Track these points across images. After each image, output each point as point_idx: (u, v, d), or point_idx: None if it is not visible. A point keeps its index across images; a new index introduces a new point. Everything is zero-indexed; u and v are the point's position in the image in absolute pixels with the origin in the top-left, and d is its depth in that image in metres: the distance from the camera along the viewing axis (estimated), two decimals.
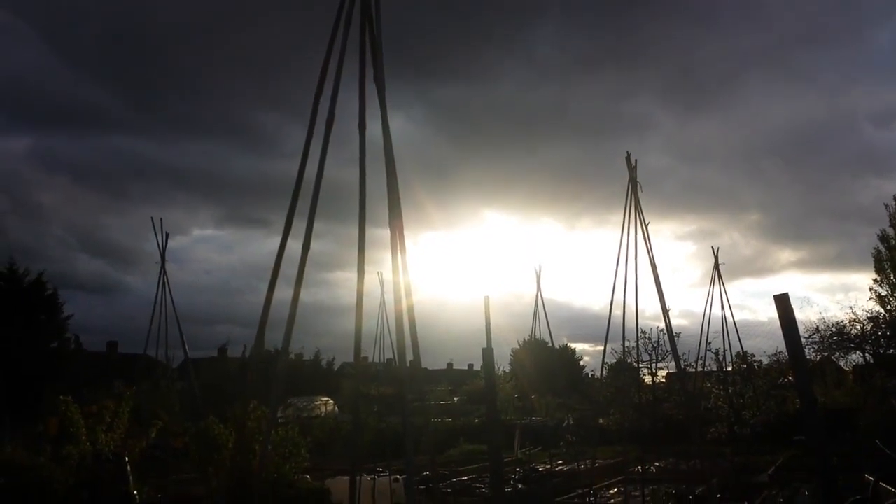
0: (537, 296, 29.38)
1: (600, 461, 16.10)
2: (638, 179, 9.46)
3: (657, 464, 15.96)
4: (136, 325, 19.57)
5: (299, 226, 6.31)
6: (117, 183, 71.63)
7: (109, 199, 74.48)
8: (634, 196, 9.47)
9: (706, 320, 17.71)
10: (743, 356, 18.95)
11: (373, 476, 11.92)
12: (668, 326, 10.22)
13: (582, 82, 72.56)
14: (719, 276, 17.96)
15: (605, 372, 16.83)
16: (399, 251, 6.33)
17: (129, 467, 10.68)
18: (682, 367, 12.37)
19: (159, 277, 19.00)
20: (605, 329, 11.83)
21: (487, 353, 12.11)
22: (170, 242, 19.59)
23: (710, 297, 17.92)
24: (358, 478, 11.08)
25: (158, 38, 60.36)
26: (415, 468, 6.39)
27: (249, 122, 68.04)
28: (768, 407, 17.89)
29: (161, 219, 19.25)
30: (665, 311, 9.77)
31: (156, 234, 18.74)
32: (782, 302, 11.24)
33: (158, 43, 61.56)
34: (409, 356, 6.34)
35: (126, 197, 70.85)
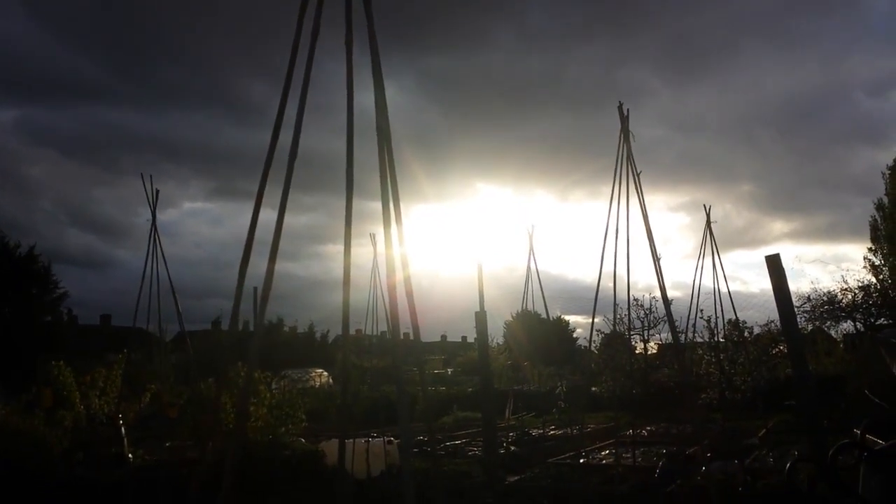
0: (529, 258, 29.12)
1: (592, 426, 16.27)
2: (630, 129, 9.47)
3: (649, 428, 16.11)
4: (129, 298, 19.33)
5: (290, 198, 6.19)
6: (106, 155, 71.11)
7: (99, 171, 74.03)
8: (627, 146, 9.48)
9: (698, 274, 17.89)
10: (735, 323, 19.07)
11: (366, 439, 11.99)
12: (660, 275, 10.22)
13: (575, 50, 72.17)
14: (711, 234, 18.06)
15: (594, 337, 16.92)
16: (395, 221, 6.18)
17: (123, 429, 10.74)
18: (677, 335, 12.40)
19: (150, 236, 18.60)
20: (600, 301, 11.87)
21: (480, 315, 12.25)
22: (160, 216, 19.33)
23: (701, 253, 18.08)
24: (352, 441, 11.19)
25: (147, 6, 59.63)
26: (410, 433, 6.38)
27: (241, 93, 67.56)
28: (759, 373, 18.03)
29: (151, 176, 18.94)
30: (656, 259, 9.80)
31: (146, 190, 18.46)
32: (774, 263, 11.23)
33: (147, 11, 60.83)
34: (408, 330, 6.25)
35: (115, 169, 70.40)
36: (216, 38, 68.77)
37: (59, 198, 65.14)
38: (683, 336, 16.34)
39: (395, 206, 6.07)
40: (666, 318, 14.53)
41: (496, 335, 38.81)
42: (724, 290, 18.76)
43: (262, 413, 10.75)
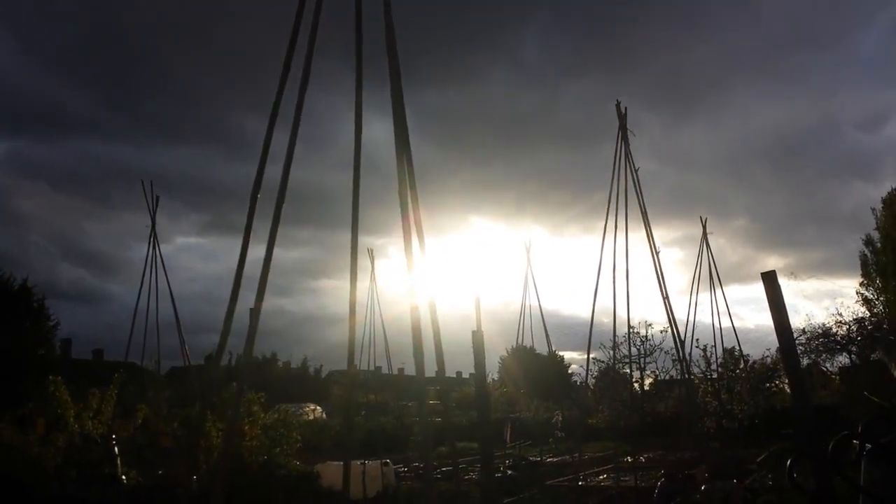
0: (527, 273, 28.71)
1: (590, 455, 16.15)
2: (628, 127, 9.63)
3: (647, 455, 16.01)
4: (122, 333, 19.17)
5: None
6: (98, 189, 70.95)
7: (90, 205, 73.81)
8: (625, 143, 9.62)
9: (695, 292, 17.92)
10: (731, 351, 19.08)
11: (362, 462, 11.89)
12: (660, 272, 10.24)
13: (568, 86, 72.94)
14: (707, 246, 18.19)
15: (591, 366, 16.88)
16: (418, 240, 6.14)
17: (116, 450, 10.63)
18: (684, 361, 12.40)
19: (149, 244, 18.28)
20: (595, 336, 11.90)
21: (478, 335, 12.21)
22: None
23: (698, 265, 18.19)
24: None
25: (139, 40, 60.16)
26: (432, 459, 6.39)
27: (234, 127, 67.63)
28: (756, 402, 17.98)
29: (151, 182, 18.81)
30: (651, 239, 9.82)
31: (146, 196, 18.40)
32: (770, 279, 11.34)
33: (139, 45, 61.34)
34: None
35: (107, 203, 70.18)
36: (210, 71, 69.31)
37: (50, 232, 64.85)
38: (681, 365, 16.32)
39: (419, 238, 6.07)
40: (661, 346, 14.60)
41: (491, 370, 38.66)
42: (721, 305, 18.87)
43: (256, 433, 10.66)
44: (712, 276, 18.77)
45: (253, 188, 6.19)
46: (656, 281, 10.59)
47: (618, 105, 9.73)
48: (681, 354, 11.26)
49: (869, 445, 5.07)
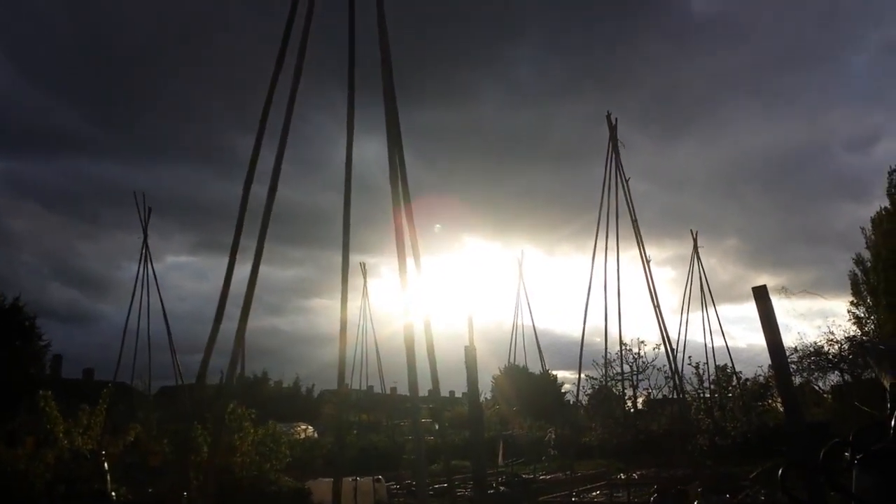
0: (518, 287, 28.37)
1: (582, 472, 16.10)
2: (619, 139, 9.71)
3: (640, 472, 15.96)
4: (113, 352, 18.95)
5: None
6: (90, 208, 70.63)
7: (82, 224, 73.46)
8: (615, 154, 9.70)
9: (686, 306, 17.96)
10: (723, 368, 19.09)
11: (354, 478, 11.83)
12: (649, 277, 10.26)
13: (562, 106, 73.28)
14: (698, 259, 18.26)
15: (584, 382, 16.86)
16: (413, 259, 6.14)
17: (105, 465, 10.54)
18: (676, 374, 12.40)
19: (141, 256, 18.10)
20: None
21: (470, 350, 12.21)
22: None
23: (689, 279, 18.26)
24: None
25: (130, 58, 60.19)
26: (425, 476, 6.40)
27: (226, 146, 67.57)
28: (749, 419, 17.96)
29: (143, 194, 18.79)
30: (641, 247, 9.83)
31: (138, 208, 18.32)
32: (760, 294, 11.40)
33: (131, 64, 61.38)
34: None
35: (99, 223, 69.88)
36: (201, 90, 69.38)
37: (41, 251, 64.50)
38: (673, 379, 16.32)
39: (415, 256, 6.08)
40: (653, 363, 14.61)
41: (484, 389, 38.52)
42: (713, 323, 18.90)
43: (246, 448, 10.61)
44: (703, 290, 18.85)
45: (240, 209, 6.20)
46: (647, 290, 10.63)
47: (608, 117, 9.84)
48: (673, 367, 11.27)
49: (860, 454, 5.08)
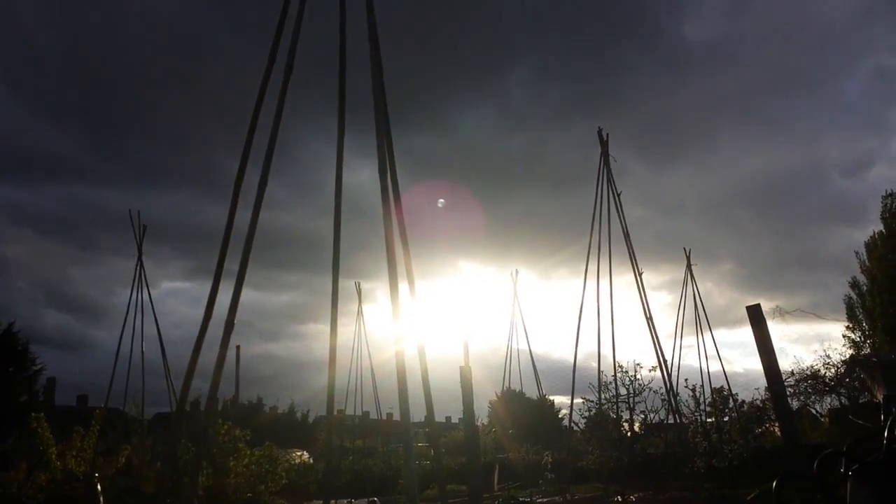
0: (513, 304, 27.77)
1: (579, 495, 16.00)
2: (610, 153, 9.79)
3: (637, 495, 15.87)
4: (108, 379, 18.70)
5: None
6: (84, 234, 70.57)
7: (76, 251, 73.33)
8: (607, 168, 9.79)
9: (679, 326, 17.96)
10: (719, 391, 19.06)
11: (350, 500, 11.76)
12: (641, 287, 10.28)
13: (556, 131, 73.73)
14: (692, 276, 18.28)
15: (580, 406, 16.82)
16: (408, 284, 6.15)
17: (98, 487, 10.46)
18: (671, 391, 12.38)
19: (135, 274, 17.88)
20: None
21: (465, 371, 12.18)
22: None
23: (682, 298, 18.26)
24: (335, 502, 10.97)
25: (125, 83, 60.46)
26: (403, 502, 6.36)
27: (221, 171, 67.73)
28: (746, 441, 17.90)
29: (139, 211, 18.64)
30: (634, 260, 9.85)
31: (133, 226, 18.17)
32: (755, 312, 11.39)
33: (125, 89, 61.62)
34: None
35: (93, 249, 69.80)
36: (197, 115, 69.66)
37: (35, 277, 64.30)
38: (668, 396, 16.28)
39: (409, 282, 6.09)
40: (650, 385, 14.61)
41: (481, 415, 38.26)
42: (709, 345, 18.90)
43: (240, 469, 10.55)
44: (698, 312, 18.88)
45: (225, 233, 6.22)
46: (640, 303, 10.68)
47: (599, 132, 9.95)
48: (668, 385, 11.26)
49: (855, 465, 5.09)
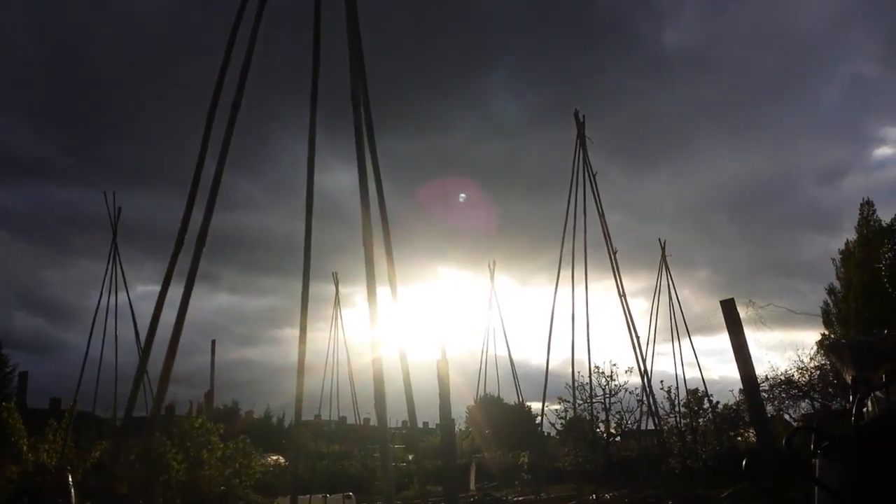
0: (491, 296, 27.05)
1: (555, 494, 16.05)
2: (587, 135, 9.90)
3: (612, 494, 15.94)
4: (85, 382, 18.22)
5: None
6: (57, 236, 69.48)
7: (49, 252, 72.13)
8: (583, 150, 9.88)
9: (654, 314, 18.07)
10: (694, 392, 19.19)
11: (324, 494, 11.72)
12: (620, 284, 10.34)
13: (534, 136, 73.89)
14: (667, 268, 18.38)
15: (558, 409, 16.87)
16: (391, 289, 6.12)
17: (70, 479, 10.33)
18: (647, 390, 12.47)
19: (109, 258, 17.36)
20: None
21: (442, 364, 12.19)
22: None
23: (657, 291, 18.37)
24: (308, 497, 10.93)
25: (99, 83, 59.79)
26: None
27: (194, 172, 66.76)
28: (721, 442, 18.04)
29: (114, 193, 18.20)
30: (608, 239, 9.90)
31: (108, 208, 17.75)
32: (728, 307, 11.51)
33: (99, 89, 60.90)
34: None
35: (66, 250, 68.66)
36: (174, 116, 68.94)
37: (7, 279, 63.23)
38: (644, 403, 16.37)
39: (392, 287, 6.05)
40: (625, 386, 14.71)
41: (459, 421, 38.13)
42: (686, 350, 19.03)
43: (214, 462, 10.47)
44: (673, 311, 18.98)
45: (179, 233, 6.16)
46: (614, 283, 10.77)
47: (576, 113, 10.06)
48: (645, 382, 11.35)
49: (825, 442, 5.16)
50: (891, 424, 5.28)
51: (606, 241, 9.88)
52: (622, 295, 10.68)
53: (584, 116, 10.10)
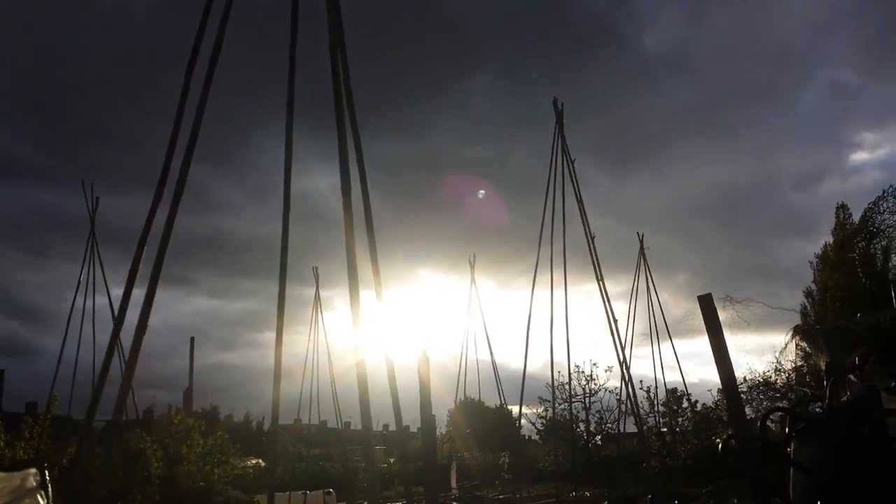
0: (471, 288, 27.01)
1: (536, 492, 16.11)
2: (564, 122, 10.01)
3: (592, 491, 16.02)
4: (59, 386, 18.04)
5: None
6: (34, 237, 68.59)
7: (25, 254, 71.18)
8: (561, 137, 10.00)
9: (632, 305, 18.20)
10: (673, 391, 19.33)
11: (304, 491, 11.69)
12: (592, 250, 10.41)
13: (517, 140, 74.03)
14: (645, 262, 18.54)
15: (541, 412, 16.93)
16: (376, 291, 6.10)
17: (47, 476, 10.22)
18: (628, 384, 12.56)
19: (87, 249, 17.13)
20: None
21: (423, 361, 12.22)
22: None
23: (635, 281, 18.53)
24: (287, 494, 10.90)
25: (78, 84, 59.24)
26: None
27: (174, 175, 66.13)
28: (700, 440, 18.16)
29: (92, 184, 18.16)
30: (586, 226, 9.99)
31: (86, 197, 17.66)
32: (706, 301, 11.65)
33: (78, 89, 60.32)
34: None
35: (43, 252, 67.78)
36: (154, 119, 68.35)
37: None
38: (625, 399, 16.46)
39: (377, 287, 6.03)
40: (604, 386, 14.81)
41: (440, 424, 38.09)
42: (667, 352, 19.16)
43: (193, 457, 10.43)
44: (650, 290, 19.16)
45: (142, 234, 6.15)
46: (592, 266, 10.93)
47: (555, 102, 10.19)
48: (626, 378, 11.44)
49: (799, 425, 5.23)
50: (863, 406, 5.38)
51: (584, 226, 10.03)
52: (600, 279, 10.82)
53: (562, 104, 10.26)
